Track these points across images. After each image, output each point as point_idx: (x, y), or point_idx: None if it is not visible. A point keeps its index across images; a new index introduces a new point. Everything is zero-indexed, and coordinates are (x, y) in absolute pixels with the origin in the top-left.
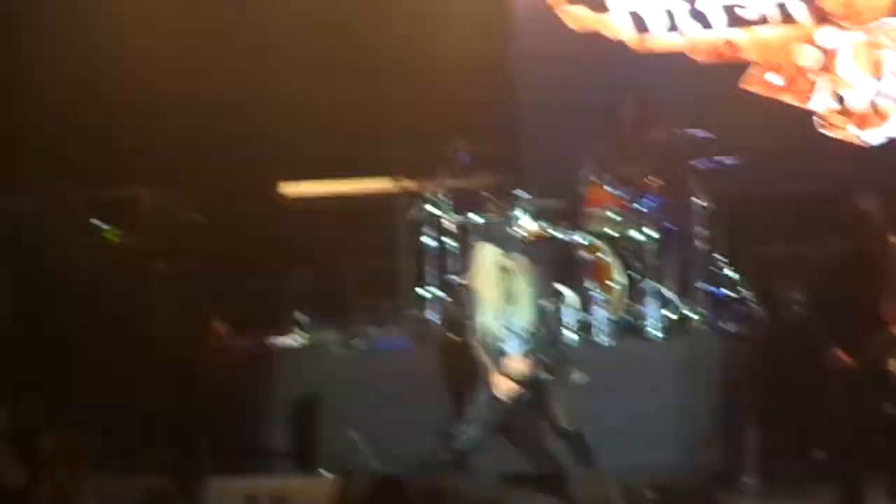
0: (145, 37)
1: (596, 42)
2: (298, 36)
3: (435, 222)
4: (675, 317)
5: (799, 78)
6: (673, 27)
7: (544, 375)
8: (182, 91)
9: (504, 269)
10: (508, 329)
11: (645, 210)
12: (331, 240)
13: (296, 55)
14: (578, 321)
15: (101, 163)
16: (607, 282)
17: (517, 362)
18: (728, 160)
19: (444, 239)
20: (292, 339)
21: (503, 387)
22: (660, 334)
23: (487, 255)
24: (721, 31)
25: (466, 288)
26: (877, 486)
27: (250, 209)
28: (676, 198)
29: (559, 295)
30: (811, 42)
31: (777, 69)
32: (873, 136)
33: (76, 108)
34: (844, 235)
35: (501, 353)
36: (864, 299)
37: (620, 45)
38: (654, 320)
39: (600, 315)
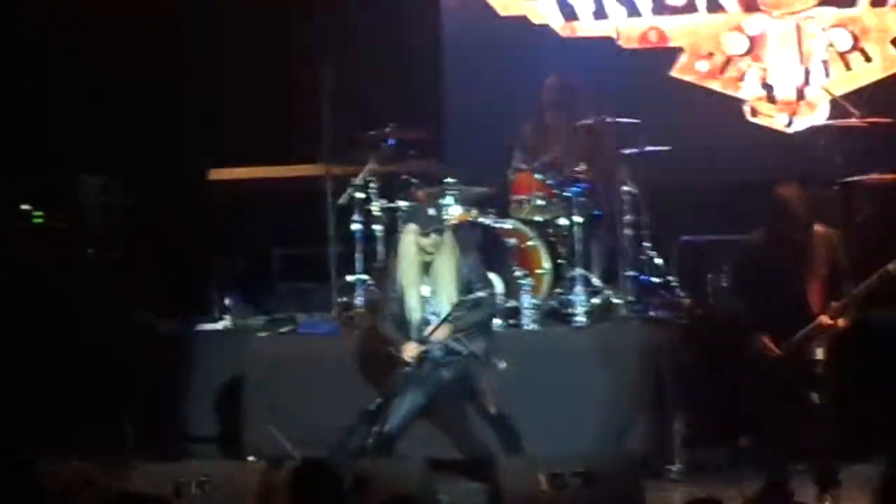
0: (78, 21)
1: (524, 28)
2: (230, 20)
3: (363, 208)
4: (601, 303)
5: (728, 66)
6: (601, 14)
7: (469, 359)
8: (114, 76)
9: (426, 251)
10: (429, 311)
11: (572, 197)
12: (258, 225)
13: (226, 40)
14: (505, 307)
15: (32, 148)
16: (534, 268)
17: (431, 333)
18: (656, 148)
19: (371, 224)
20: (219, 324)
21: (409, 353)
22: (586, 320)
23: (410, 238)
24: (649, 19)
25: (388, 270)
26: (801, 474)
27: (179, 194)
28: (604, 185)
29: (486, 280)
30: (740, 30)
31: (706, 57)
32: (802, 125)
33: (6, 93)
34: (768, 223)
35: (419, 330)
36: (788, 287)
37: (548, 32)
38: (580, 306)
39: (527, 301)
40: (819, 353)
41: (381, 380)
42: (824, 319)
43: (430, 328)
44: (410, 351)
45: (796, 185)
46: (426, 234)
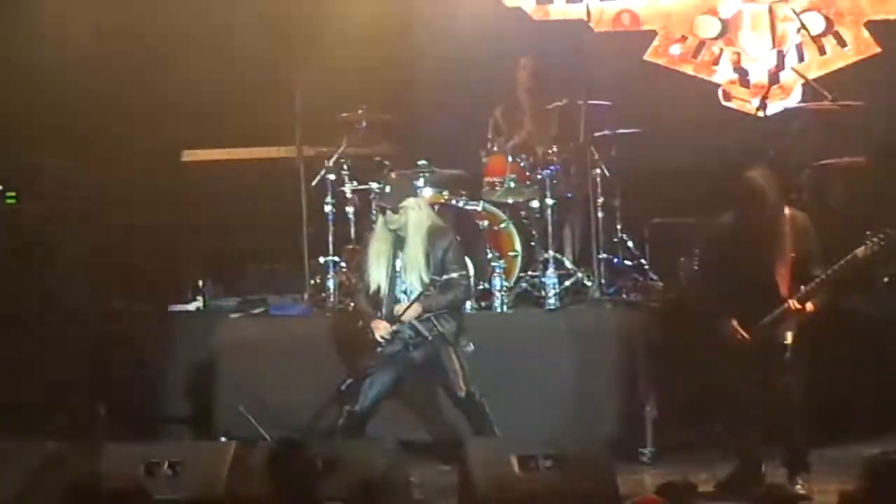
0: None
1: (497, 11)
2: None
3: (335, 190)
4: (573, 286)
5: (701, 49)
6: None
7: (439, 340)
8: (85, 58)
9: (395, 230)
10: (399, 289)
11: (545, 179)
12: (231, 206)
13: (200, 20)
14: (477, 289)
15: (3, 131)
16: (506, 251)
17: (403, 313)
18: (628, 130)
19: (344, 206)
20: (191, 305)
21: (381, 330)
22: (558, 303)
23: (380, 217)
24: (622, 2)
25: (360, 251)
26: (773, 457)
27: (152, 176)
28: (576, 167)
29: (460, 262)
30: (714, 13)
31: (680, 41)
32: (775, 109)
33: None
34: (738, 206)
35: (390, 308)
36: (757, 271)
37: (521, 14)
38: (552, 289)
39: (499, 283)
40: (788, 337)
41: (353, 359)
42: (793, 304)
43: (400, 307)
44: (381, 329)
45: (765, 169)
46: (385, 212)
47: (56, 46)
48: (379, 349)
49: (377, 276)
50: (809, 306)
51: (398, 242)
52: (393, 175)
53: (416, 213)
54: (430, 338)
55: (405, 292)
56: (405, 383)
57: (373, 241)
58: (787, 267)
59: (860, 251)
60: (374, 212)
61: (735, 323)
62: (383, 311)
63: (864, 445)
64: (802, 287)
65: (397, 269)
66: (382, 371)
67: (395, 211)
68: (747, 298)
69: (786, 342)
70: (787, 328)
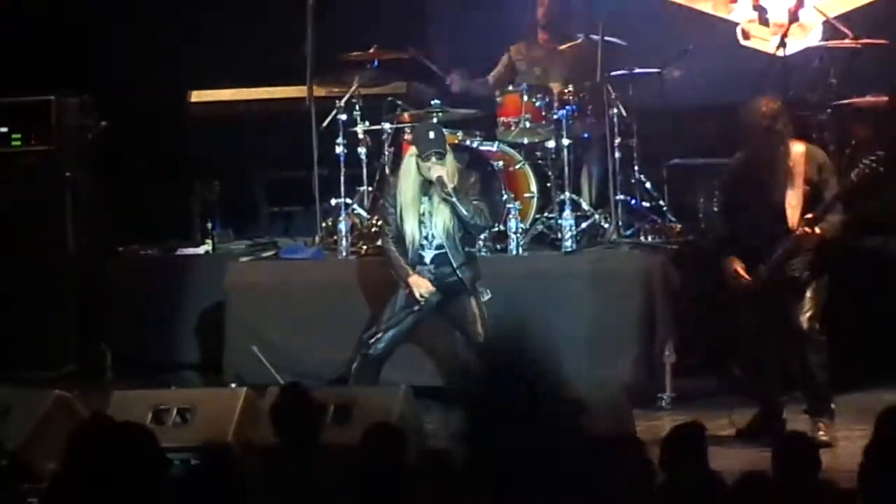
0: None
1: None
2: None
3: (346, 130)
4: (589, 228)
5: None
6: None
7: (459, 286)
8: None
9: (425, 177)
10: (430, 236)
11: (561, 119)
12: (240, 147)
13: None
14: (492, 231)
15: (8, 71)
16: (522, 192)
17: (433, 267)
18: (645, 70)
19: (356, 147)
20: (201, 248)
21: (422, 288)
22: (574, 245)
23: (412, 160)
24: None
25: (385, 195)
26: (794, 402)
27: (159, 116)
28: (593, 107)
29: (481, 209)
30: None
31: None
32: (795, 48)
33: None
34: (746, 137)
35: (420, 259)
36: (770, 205)
37: None
38: (568, 231)
39: (514, 225)
40: (802, 269)
41: (372, 304)
42: (801, 230)
43: (432, 266)
44: (422, 287)
45: (772, 99)
46: (426, 158)
47: None
48: (416, 307)
49: (409, 223)
50: (817, 231)
51: (426, 188)
52: (406, 115)
53: (450, 159)
54: (449, 283)
55: (426, 238)
56: (422, 328)
57: (404, 187)
58: (800, 199)
59: (853, 173)
60: (386, 154)
61: (747, 260)
62: (409, 256)
63: (888, 388)
64: (809, 215)
65: (423, 215)
66: (401, 315)
67: (426, 156)
68: (762, 235)
69: (798, 277)
70: (799, 263)
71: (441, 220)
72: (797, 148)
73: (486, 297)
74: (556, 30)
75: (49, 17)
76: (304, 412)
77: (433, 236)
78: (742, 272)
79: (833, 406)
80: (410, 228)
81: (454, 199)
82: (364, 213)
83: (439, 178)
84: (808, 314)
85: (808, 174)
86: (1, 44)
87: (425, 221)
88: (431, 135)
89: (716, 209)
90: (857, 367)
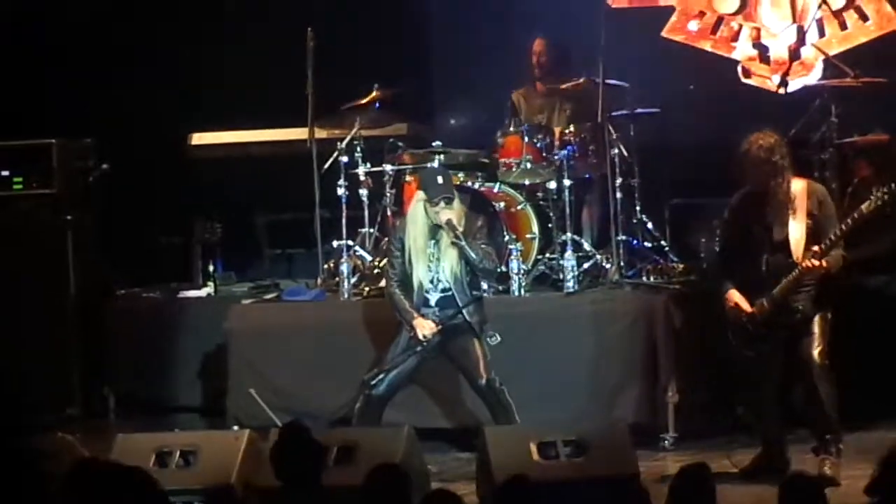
0: None
1: None
2: None
3: (348, 172)
4: (591, 268)
5: (720, 26)
6: None
7: (464, 328)
8: (92, 38)
9: (434, 221)
10: (436, 279)
11: (561, 160)
12: (242, 189)
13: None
14: (498, 273)
15: (9, 114)
16: (524, 233)
17: (438, 310)
18: (646, 110)
19: (357, 189)
20: (203, 291)
21: (425, 330)
22: (576, 286)
23: (419, 204)
24: None
25: (394, 237)
26: (800, 440)
27: (162, 158)
28: (594, 148)
29: (489, 253)
30: None
31: (698, 17)
32: (796, 87)
33: None
34: (747, 174)
35: (426, 302)
36: (768, 237)
37: None
38: (570, 272)
39: (516, 266)
40: (806, 306)
41: (376, 345)
42: (806, 263)
43: (437, 309)
44: (426, 328)
45: (770, 133)
46: (435, 202)
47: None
48: (419, 348)
49: (414, 262)
50: (824, 264)
51: (434, 232)
52: (407, 157)
53: (457, 204)
54: (456, 328)
55: (433, 282)
56: (425, 369)
57: (413, 231)
58: (803, 234)
59: (864, 206)
60: (387, 195)
61: (750, 291)
62: (415, 297)
63: (892, 427)
64: (814, 248)
65: (430, 259)
66: (404, 356)
67: (448, 202)
68: (765, 268)
69: (801, 308)
70: (803, 297)
71: (449, 264)
72: (798, 184)
73: (496, 340)
74: (551, 78)
75: (50, 61)
76: (305, 452)
77: (439, 280)
78: (744, 304)
79: (841, 444)
80: (418, 272)
81: (463, 243)
82: (366, 255)
83: (449, 222)
84: (817, 348)
85: (809, 208)
86: (3, 87)
87: (433, 265)
88: (440, 179)
89: (717, 242)
90: (861, 405)
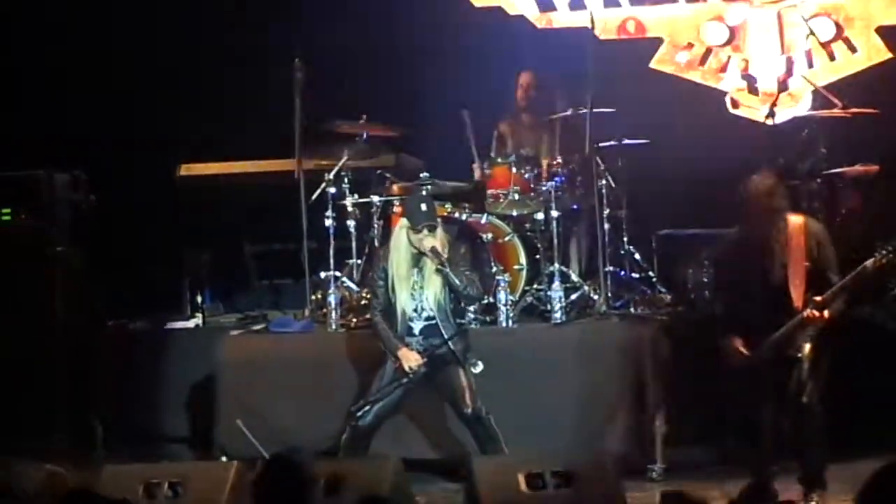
0: (53, 15)
1: (499, 20)
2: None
3: (335, 203)
4: (579, 299)
5: (708, 57)
6: (578, 4)
7: (449, 357)
8: (82, 71)
9: (417, 248)
10: (420, 308)
11: (549, 191)
12: (230, 221)
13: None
14: (481, 303)
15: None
16: (511, 264)
17: (422, 339)
18: (634, 141)
19: (345, 220)
20: (191, 322)
21: (410, 361)
22: (564, 317)
23: (402, 232)
24: (627, 9)
25: (377, 266)
26: (785, 473)
27: (149, 190)
28: (581, 178)
29: (473, 281)
30: (720, 20)
31: (686, 48)
32: (785, 118)
33: None
34: (743, 215)
35: (409, 331)
36: (769, 282)
37: (524, 23)
38: (558, 303)
39: (503, 297)
40: (804, 349)
41: (361, 376)
42: (809, 313)
43: (422, 339)
44: (412, 360)
45: (768, 174)
46: (418, 230)
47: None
48: (405, 379)
49: (397, 290)
50: (826, 314)
51: (417, 260)
52: (395, 188)
53: (440, 232)
54: (442, 358)
55: (416, 310)
56: (411, 400)
57: (395, 259)
58: (802, 277)
59: (869, 263)
60: (375, 226)
61: (747, 336)
62: (399, 327)
63: (880, 460)
64: (816, 297)
65: (414, 287)
66: (390, 387)
67: (432, 230)
68: (760, 310)
69: (801, 354)
70: (801, 339)
71: (433, 292)
72: (795, 220)
73: (479, 368)
74: (537, 110)
75: (39, 93)
76: (295, 485)
77: (423, 308)
78: (742, 350)
79: (825, 477)
80: (402, 300)
81: (447, 270)
82: (353, 286)
83: (433, 249)
84: (809, 390)
85: (808, 250)
86: None
87: (416, 293)
88: (423, 207)
89: (713, 286)
90: (849, 435)
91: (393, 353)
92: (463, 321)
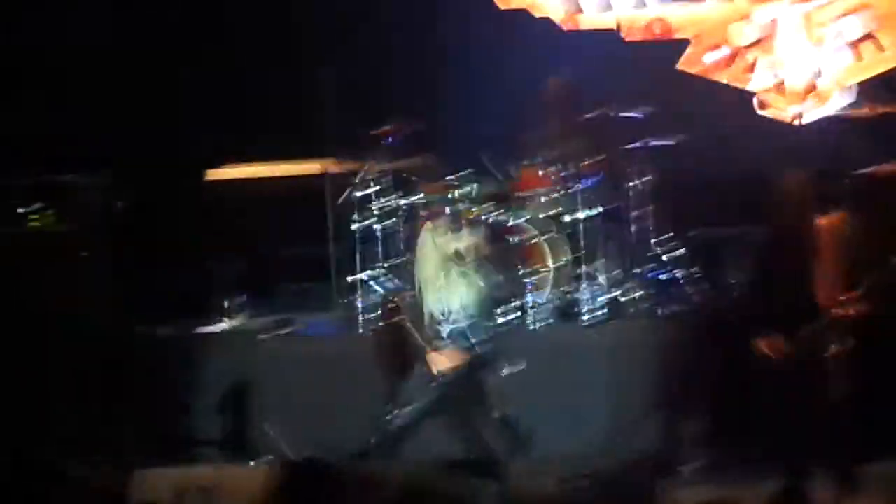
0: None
1: (525, 21)
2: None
3: (363, 206)
4: (609, 300)
5: (736, 58)
6: (606, 5)
7: (479, 360)
8: (111, 74)
9: (446, 251)
10: (447, 311)
11: (578, 192)
12: (258, 224)
13: (226, 37)
14: (513, 305)
15: (28, 149)
16: (541, 265)
17: (454, 343)
18: (662, 142)
19: (375, 223)
20: (219, 327)
21: (439, 365)
22: (594, 318)
23: (429, 235)
24: (654, 9)
25: (408, 270)
26: (818, 475)
27: (178, 194)
28: (612, 179)
29: (497, 279)
30: (748, 20)
31: (713, 48)
32: (813, 117)
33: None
34: (772, 216)
35: (438, 334)
36: (799, 281)
37: (551, 24)
38: (587, 304)
39: (532, 299)
40: (832, 348)
41: (393, 380)
42: (836, 312)
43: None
44: (442, 363)
45: (798, 175)
46: (443, 233)
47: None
48: (433, 382)
49: (428, 298)
50: (853, 312)
51: (443, 263)
52: (425, 190)
53: (466, 235)
54: (473, 361)
55: (444, 314)
56: (443, 403)
57: (422, 262)
58: (832, 276)
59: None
60: (402, 229)
61: (770, 340)
62: (426, 332)
63: None
64: (844, 295)
65: (441, 290)
66: (422, 390)
67: (457, 233)
68: (791, 310)
69: (830, 353)
70: (831, 338)
71: (458, 296)
72: (825, 220)
73: (513, 366)
74: (570, 105)
75: (66, 96)
76: (328, 489)
77: (450, 311)
78: (775, 349)
79: (858, 479)
80: (429, 304)
81: (472, 274)
82: (381, 289)
83: (457, 252)
84: (839, 390)
85: (837, 248)
86: (21, 123)
87: (443, 297)
88: (448, 209)
89: (746, 287)
90: (882, 437)
91: (422, 357)
92: (492, 323)
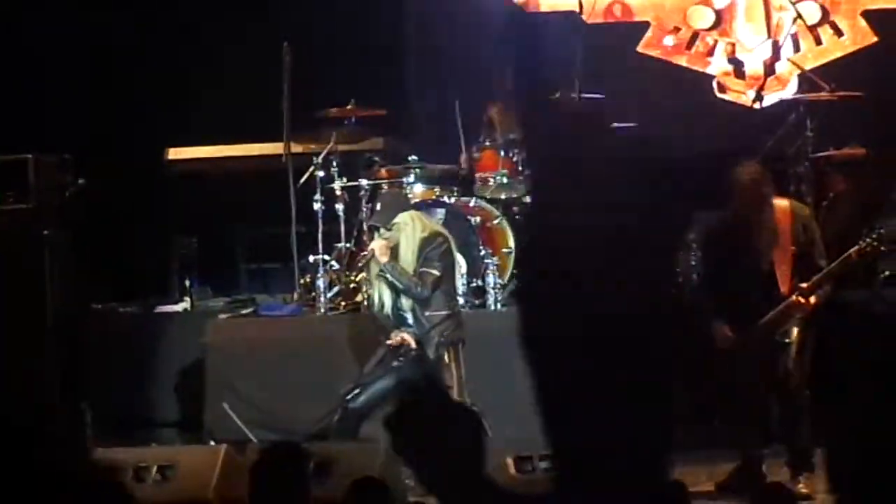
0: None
1: (486, 2)
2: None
3: (324, 187)
4: None
5: (696, 41)
6: None
7: (437, 341)
8: (68, 52)
9: (403, 234)
10: (386, 299)
11: None
12: (218, 204)
13: (185, 15)
14: (471, 288)
15: None
16: (500, 247)
17: (412, 323)
18: (621, 125)
19: (333, 203)
20: (179, 306)
21: (403, 344)
22: None
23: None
24: None
25: (366, 252)
26: (775, 455)
27: (137, 173)
28: None
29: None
30: (708, 4)
31: (673, 32)
32: (772, 101)
33: None
34: (731, 202)
35: (399, 315)
36: (757, 267)
37: (511, 6)
38: None
39: (492, 280)
40: (791, 334)
41: (352, 360)
42: (796, 298)
43: (411, 322)
44: (404, 343)
45: (755, 162)
46: (378, 230)
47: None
48: (395, 363)
49: (378, 290)
50: (812, 300)
51: (392, 255)
52: (383, 171)
53: (410, 229)
54: (431, 342)
55: (395, 305)
56: (403, 386)
57: (379, 240)
58: (788, 262)
59: (854, 251)
60: (363, 210)
61: (734, 320)
62: (389, 314)
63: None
64: (803, 283)
65: (377, 279)
66: (382, 373)
67: (388, 229)
68: (746, 295)
69: (788, 339)
70: (788, 324)
71: (387, 291)
72: (781, 204)
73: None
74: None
75: (26, 76)
76: (286, 469)
77: (401, 304)
78: (729, 334)
79: (814, 459)
80: (385, 299)
81: (387, 274)
82: (342, 270)
83: (371, 252)
84: (796, 375)
85: (794, 234)
86: None
87: (378, 286)
88: (378, 206)
89: (700, 270)
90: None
91: (386, 337)
92: (451, 311)
